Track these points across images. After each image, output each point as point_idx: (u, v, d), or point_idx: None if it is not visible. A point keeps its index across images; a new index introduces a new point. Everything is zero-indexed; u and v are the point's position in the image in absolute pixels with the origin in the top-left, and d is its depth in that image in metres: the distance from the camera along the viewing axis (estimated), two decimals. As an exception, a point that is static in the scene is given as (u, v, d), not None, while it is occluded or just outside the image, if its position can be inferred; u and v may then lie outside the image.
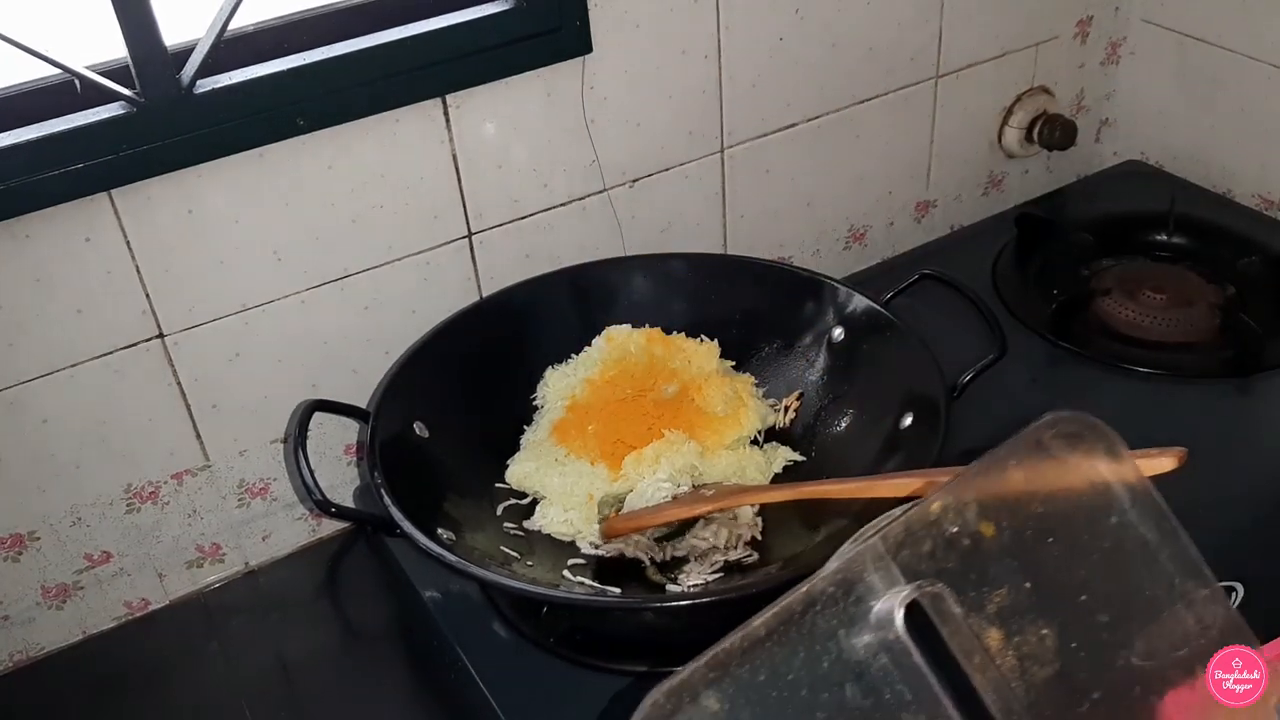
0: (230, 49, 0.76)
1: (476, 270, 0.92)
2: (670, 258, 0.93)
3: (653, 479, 0.80)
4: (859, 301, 0.86)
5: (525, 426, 0.88)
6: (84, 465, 0.82)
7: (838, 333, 0.87)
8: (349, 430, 0.92)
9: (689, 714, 0.42)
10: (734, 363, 0.91)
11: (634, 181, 0.96)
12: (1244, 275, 1.02)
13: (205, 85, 0.74)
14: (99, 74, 0.72)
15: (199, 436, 0.85)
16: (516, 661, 0.74)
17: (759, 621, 0.46)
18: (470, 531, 0.75)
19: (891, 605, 0.45)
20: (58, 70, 0.71)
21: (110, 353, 0.79)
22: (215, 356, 0.83)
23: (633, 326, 0.91)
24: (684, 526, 0.79)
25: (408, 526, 0.69)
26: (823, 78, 1.02)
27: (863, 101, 1.06)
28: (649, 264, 0.93)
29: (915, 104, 1.10)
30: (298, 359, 0.87)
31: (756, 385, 0.89)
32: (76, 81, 0.72)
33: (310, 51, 0.78)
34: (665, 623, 0.77)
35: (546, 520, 0.80)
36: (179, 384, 0.83)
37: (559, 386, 0.88)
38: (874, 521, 0.57)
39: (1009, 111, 1.17)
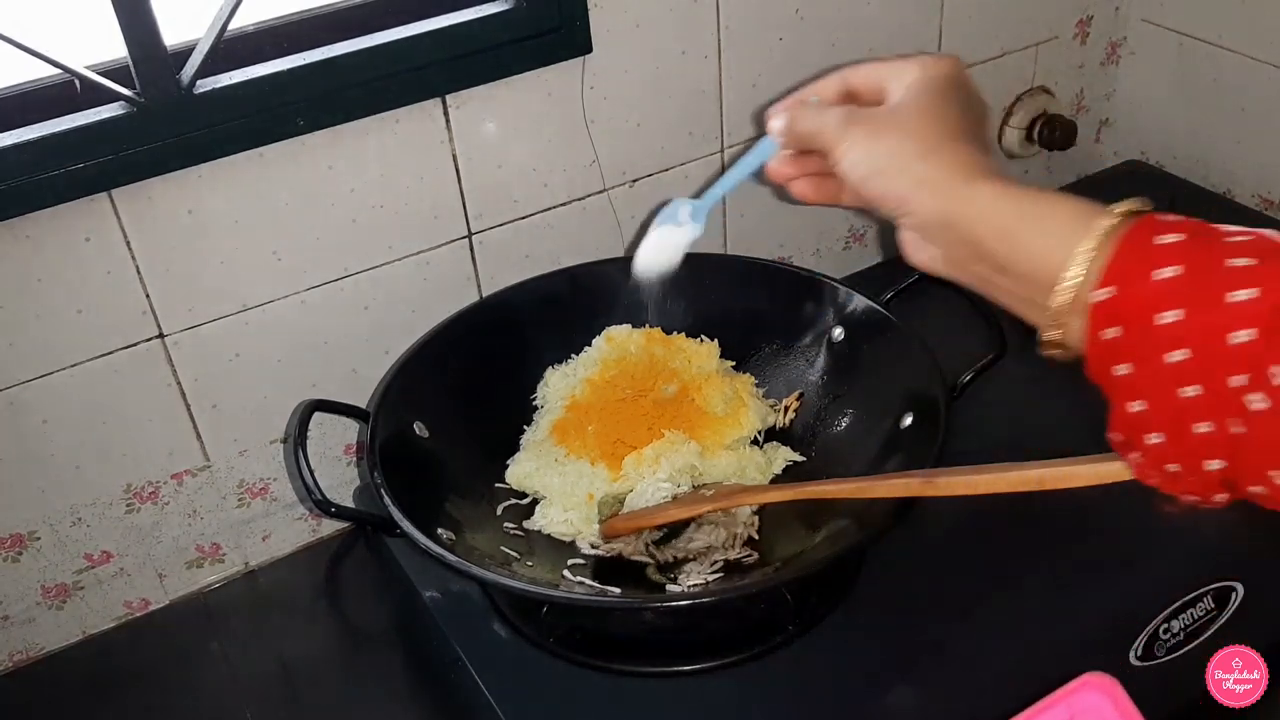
0: (230, 49, 0.76)
1: (476, 270, 0.92)
2: (670, 258, 0.93)
3: (653, 479, 0.80)
4: (859, 301, 0.86)
5: (525, 426, 0.88)
6: (84, 465, 0.82)
7: (838, 333, 0.87)
8: (349, 430, 0.92)
9: None
10: (734, 363, 0.91)
11: (634, 181, 0.96)
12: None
13: (205, 85, 0.74)
14: (99, 74, 0.72)
15: (199, 436, 0.85)
16: (516, 661, 0.74)
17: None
18: (470, 531, 0.75)
19: None
20: (58, 70, 0.71)
21: (110, 353, 0.79)
22: (215, 356, 0.83)
23: (633, 327, 0.91)
24: (680, 527, 0.79)
25: (408, 526, 0.69)
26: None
27: (863, 101, 1.05)
28: (649, 264, 0.92)
29: (915, 104, 1.09)
30: (298, 359, 0.87)
31: (756, 385, 0.89)
32: (76, 81, 0.72)
33: (310, 51, 0.78)
34: (665, 623, 0.77)
35: (546, 520, 0.80)
36: (179, 384, 0.83)
37: (559, 386, 0.88)
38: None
39: (1009, 112, 1.17)
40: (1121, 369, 0.42)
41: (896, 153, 0.50)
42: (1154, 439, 0.42)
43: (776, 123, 0.57)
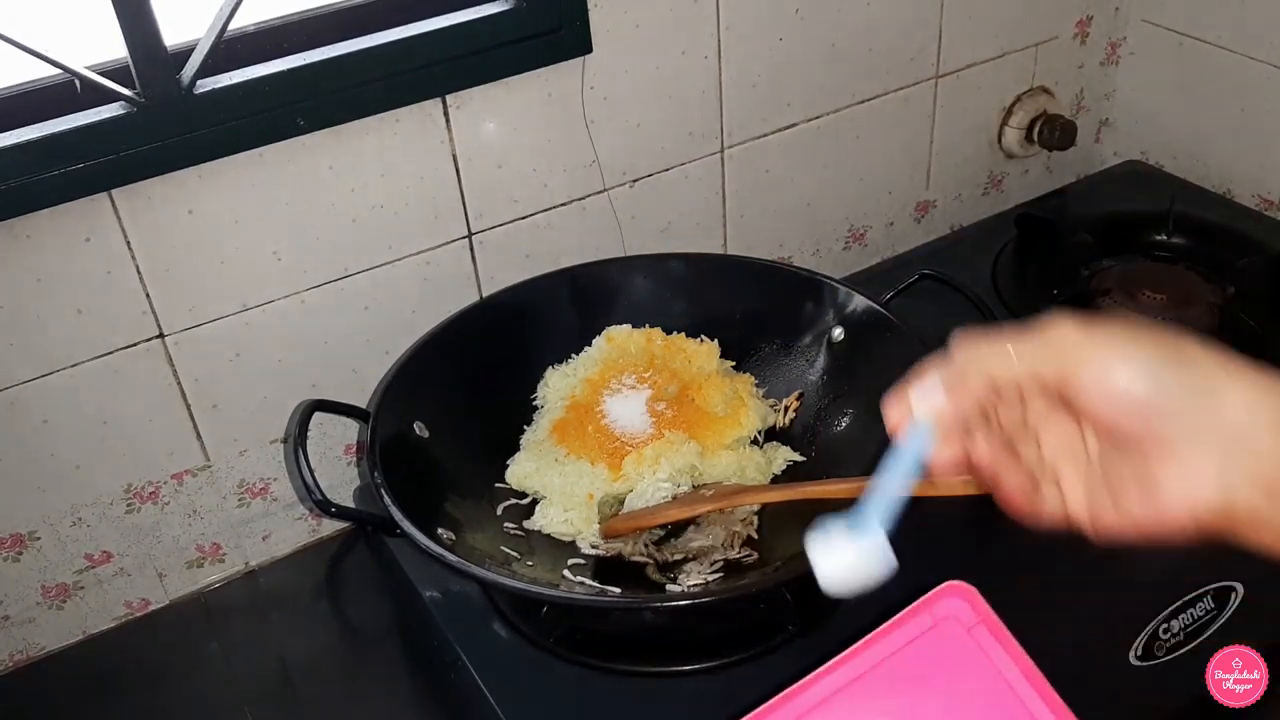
0: (230, 49, 0.76)
1: (476, 270, 0.92)
2: (670, 258, 0.93)
3: (653, 479, 0.80)
4: (859, 301, 0.86)
5: (525, 426, 0.88)
6: (84, 465, 0.82)
7: (838, 333, 0.87)
8: (349, 430, 0.92)
9: None
10: (734, 363, 0.91)
11: (634, 181, 0.96)
12: (1244, 275, 1.02)
13: (205, 85, 0.74)
14: (99, 74, 0.72)
15: (199, 436, 0.85)
16: (516, 661, 0.74)
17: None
18: (470, 531, 0.75)
19: None
20: (58, 70, 0.71)
21: (110, 353, 0.79)
22: (215, 356, 0.83)
23: (633, 327, 0.91)
24: (680, 527, 0.79)
25: (408, 526, 0.69)
26: (823, 78, 1.02)
27: (863, 101, 1.06)
28: (649, 264, 0.93)
29: (915, 104, 1.10)
30: (298, 359, 0.87)
31: (756, 385, 0.89)
32: (76, 81, 0.72)
33: (310, 51, 0.78)
34: (665, 623, 0.77)
35: (546, 520, 0.80)
36: (179, 384, 0.83)
37: (559, 386, 0.88)
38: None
39: (1009, 111, 1.17)
40: None
41: (1191, 353, 0.39)
42: None
43: (919, 404, 0.43)
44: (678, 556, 0.77)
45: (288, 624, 0.88)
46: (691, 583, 0.74)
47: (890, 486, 0.46)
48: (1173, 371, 0.38)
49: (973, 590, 0.55)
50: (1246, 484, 0.38)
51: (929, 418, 0.43)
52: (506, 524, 0.80)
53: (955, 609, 0.54)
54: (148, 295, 0.79)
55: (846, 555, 0.49)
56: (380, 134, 0.82)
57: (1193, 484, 0.38)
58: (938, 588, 0.55)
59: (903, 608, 0.55)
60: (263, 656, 0.85)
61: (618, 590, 0.73)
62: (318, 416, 0.79)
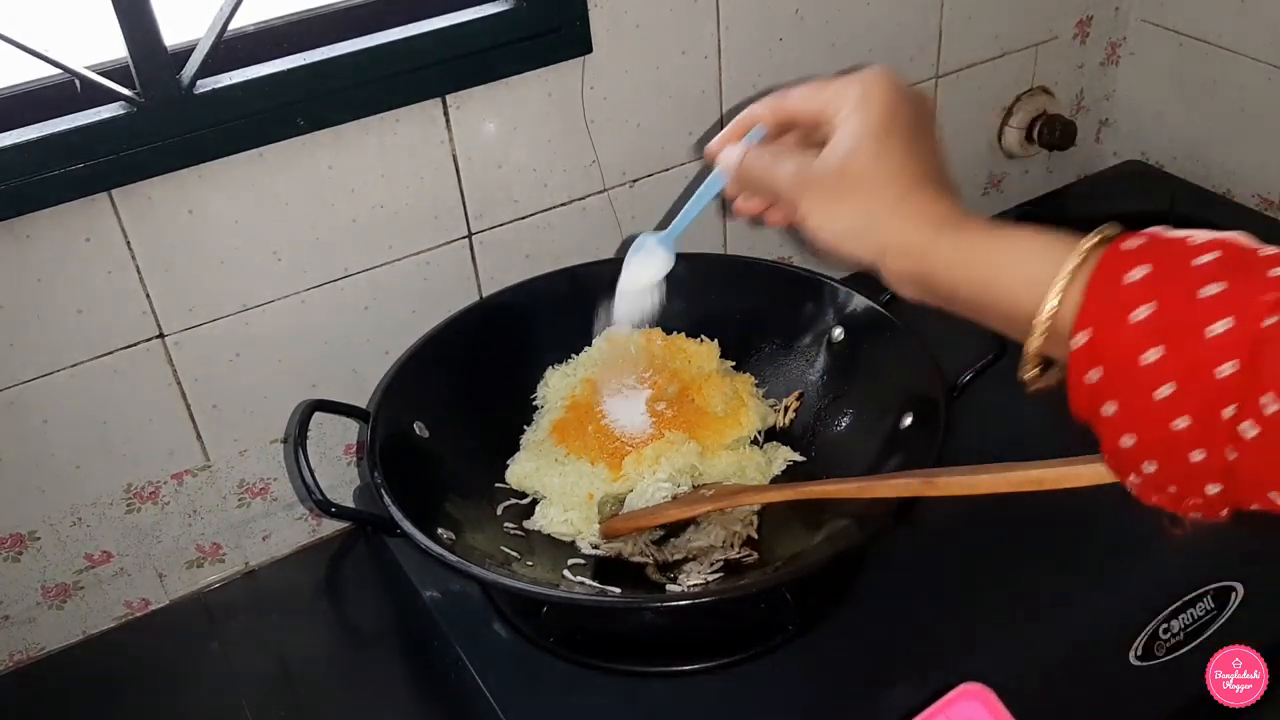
0: (230, 49, 0.76)
1: (476, 270, 0.92)
2: (670, 258, 0.93)
3: (653, 479, 0.80)
4: (859, 301, 0.86)
5: (525, 426, 0.88)
6: (84, 465, 0.82)
7: (837, 333, 0.87)
8: (349, 430, 0.92)
9: None
10: (734, 363, 0.91)
11: (634, 181, 0.96)
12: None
13: (205, 85, 0.74)
14: (99, 74, 0.72)
15: (199, 436, 0.86)
16: (516, 661, 0.74)
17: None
18: (470, 531, 0.75)
19: None
20: (58, 70, 0.71)
21: (110, 353, 0.79)
22: (215, 356, 0.83)
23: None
24: (680, 527, 0.79)
25: (408, 526, 0.69)
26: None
27: (863, 101, 1.05)
28: (649, 264, 0.92)
29: (915, 104, 1.09)
30: (298, 359, 0.87)
31: (756, 385, 0.89)
32: (76, 81, 0.72)
33: (310, 51, 0.78)
34: (665, 622, 0.77)
35: (546, 520, 0.80)
36: (179, 384, 0.83)
37: (559, 386, 0.88)
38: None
39: (1009, 111, 1.17)
40: (1109, 408, 0.42)
41: (856, 217, 0.52)
42: (1150, 468, 0.43)
43: (724, 163, 0.59)
44: (678, 556, 0.77)
45: (288, 624, 0.88)
46: (691, 583, 0.74)
47: (691, 212, 0.62)
48: (873, 146, 0.51)
49: (989, 692, 0.54)
50: (898, 258, 0.51)
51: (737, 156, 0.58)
52: (506, 524, 0.80)
53: (972, 712, 0.54)
54: (148, 295, 0.79)
55: (637, 278, 0.66)
56: (380, 134, 0.82)
57: (848, 240, 0.52)
58: (955, 690, 0.54)
59: (920, 710, 0.55)
60: (263, 656, 0.85)
61: (618, 590, 0.73)
62: (318, 416, 0.79)
